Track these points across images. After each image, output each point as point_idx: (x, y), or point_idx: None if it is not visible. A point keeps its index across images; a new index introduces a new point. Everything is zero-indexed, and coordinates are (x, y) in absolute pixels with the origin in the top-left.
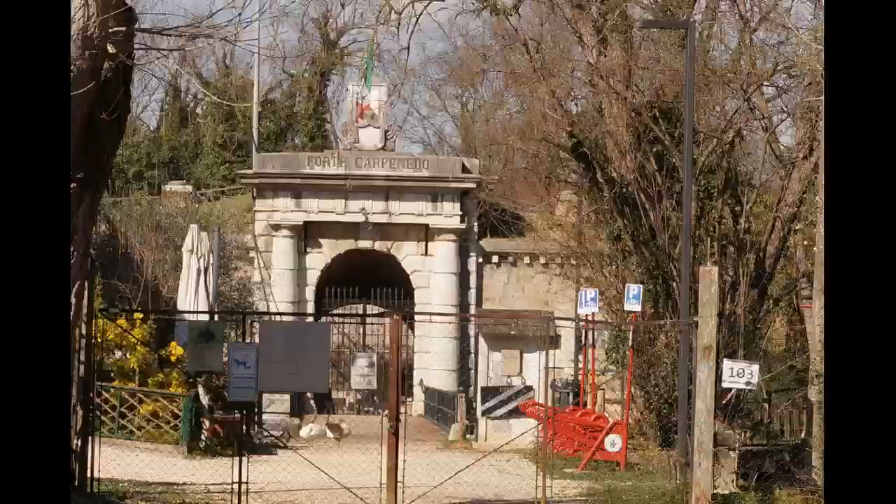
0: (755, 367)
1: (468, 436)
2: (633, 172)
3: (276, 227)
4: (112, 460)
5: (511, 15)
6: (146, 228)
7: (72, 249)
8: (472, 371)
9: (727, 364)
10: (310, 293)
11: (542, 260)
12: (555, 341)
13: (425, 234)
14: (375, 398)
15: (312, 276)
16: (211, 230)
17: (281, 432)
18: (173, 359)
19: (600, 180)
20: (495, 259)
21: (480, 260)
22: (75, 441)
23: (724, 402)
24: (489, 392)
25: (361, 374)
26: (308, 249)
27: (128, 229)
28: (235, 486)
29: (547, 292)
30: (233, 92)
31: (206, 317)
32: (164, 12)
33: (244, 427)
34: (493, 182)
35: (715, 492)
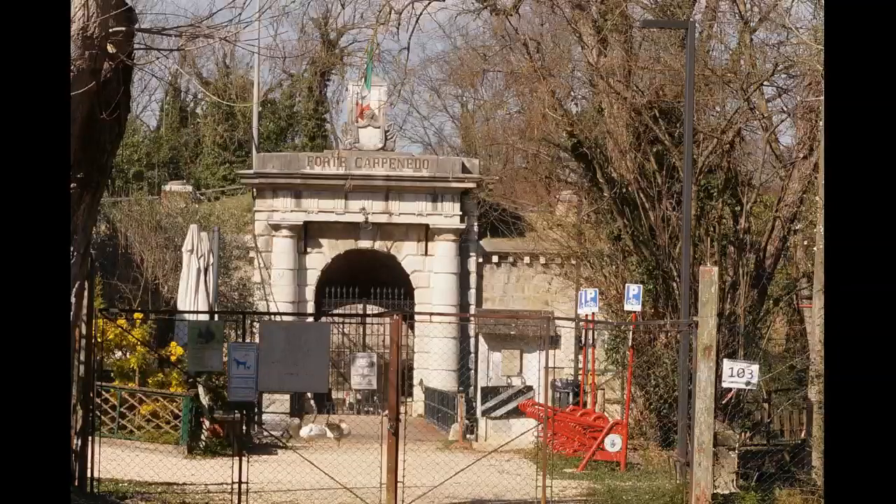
0: (755, 367)
1: (468, 436)
2: (633, 172)
3: (276, 227)
4: (112, 460)
5: (511, 15)
6: (146, 228)
7: (72, 249)
8: (472, 371)
9: (727, 364)
10: (310, 293)
11: (542, 260)
12: (555, 341)
13: (425, 234)
14: (375, 398)
15: (312, 276)
16: (211, 230)
17: (281, 432)
18: (173, 359)
19: (600, 180)
20: (495, 259)
21: (480, 260)
22: (75, 441)
23: (724, 402)
24: (489, 392)
25: (361, 374)
26: (308, 249)
27: (128, 229)
28: (235, 486)
29: (547, 292)
30: (233, 92)
31: (206, 317)
32: (164, 12)
33: (244, 427)
34: (493, 182)
35: (715, 492)
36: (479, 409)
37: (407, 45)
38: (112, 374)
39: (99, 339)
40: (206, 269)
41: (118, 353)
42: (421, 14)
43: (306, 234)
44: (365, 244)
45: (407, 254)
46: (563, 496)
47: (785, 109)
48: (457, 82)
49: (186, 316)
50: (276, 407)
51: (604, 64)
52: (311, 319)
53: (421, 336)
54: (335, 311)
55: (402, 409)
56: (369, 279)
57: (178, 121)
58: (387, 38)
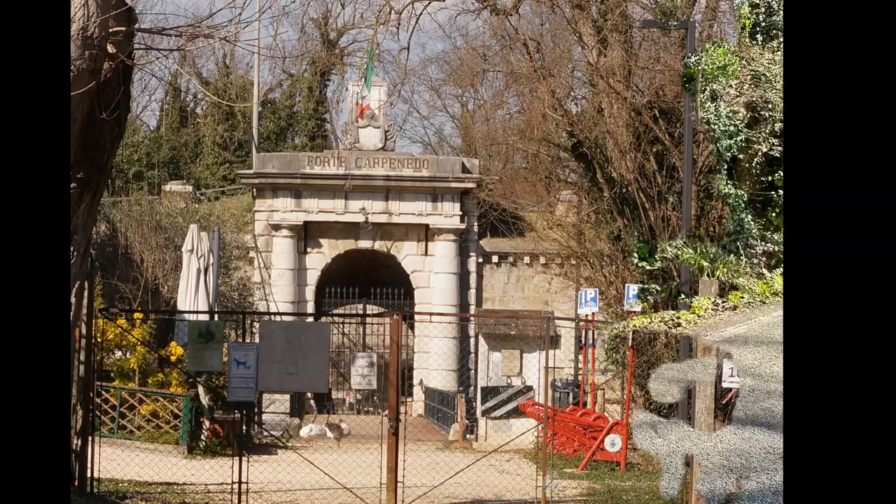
0: None
1: (468, 436)
2: (633, 172)
3: (276, 227)
4: (112, 460)
5: (511, 15)
6: (146, 228)
7: (72, 249)
8: (472, 371)
9: (727, 364)
10: (310, 293)
11: (542, 260)
12: (555, 341)
13: (425, 233)
14: (375, 398)
15: (312, 276)
16: (211, 230)
17: (281, 432)
18: (173, 359)
19: (600, 180)
20: (495, 259)
21: (480, 260)
22: (75, 441)
23: (724, 402)
24: (489, 392)
25: (361, 374)
26: (308, 249)
27: (128, 229)
28: (235, 486)
29: (547, 292)
30: (233, 92)
31: (206, 317)
32: (164, 12)
33: (244, 427)
34: (493, 182)
35: None
36: (479, 409)
37: (407, 45)
38: (112, 374)
39: (99, 339)
40: (206, 269)
41: (118, 353)
42: (421, 14)
43: (306, 234)
44: (365, 244)
45: (407, 254)
46: (563, 496)
47: None
48: (457, 82)
49: (186, 316)
50: (276, 407)
51: (604, 64)
52: (311, 319)
53: (421, 336)
54: (335, 311)
55: (402, 409)
56: (369, 279)
57: (178, 121)
58: (387, 38)
